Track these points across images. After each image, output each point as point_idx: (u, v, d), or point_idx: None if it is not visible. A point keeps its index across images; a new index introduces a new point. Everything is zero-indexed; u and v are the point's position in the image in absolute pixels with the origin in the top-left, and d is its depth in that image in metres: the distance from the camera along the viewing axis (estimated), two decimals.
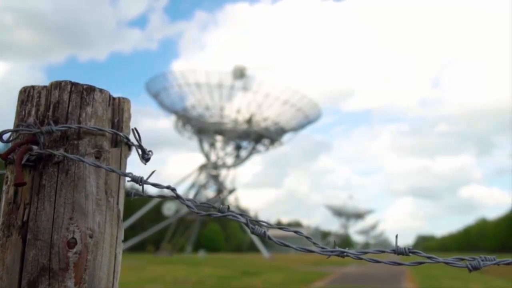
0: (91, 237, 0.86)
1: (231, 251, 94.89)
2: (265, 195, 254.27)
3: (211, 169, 48.01)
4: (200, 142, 49.70)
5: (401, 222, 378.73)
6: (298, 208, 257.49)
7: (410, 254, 0.79)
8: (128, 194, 0.96)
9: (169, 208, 46.23)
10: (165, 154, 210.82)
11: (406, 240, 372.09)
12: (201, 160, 49.64)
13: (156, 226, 53.48)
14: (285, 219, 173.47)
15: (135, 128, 0.94)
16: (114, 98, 1.00)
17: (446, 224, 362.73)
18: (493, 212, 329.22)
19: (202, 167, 48.99)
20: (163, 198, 0.95)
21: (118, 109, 0.99)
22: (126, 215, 63.97)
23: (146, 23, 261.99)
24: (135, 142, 0.94)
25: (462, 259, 0.78)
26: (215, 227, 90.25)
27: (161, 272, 19.55)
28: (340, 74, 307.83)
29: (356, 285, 16.25)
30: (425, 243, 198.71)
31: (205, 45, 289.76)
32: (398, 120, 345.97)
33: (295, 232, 0.96)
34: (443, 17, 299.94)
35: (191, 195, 48.52)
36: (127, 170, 0.99)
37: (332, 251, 0.85)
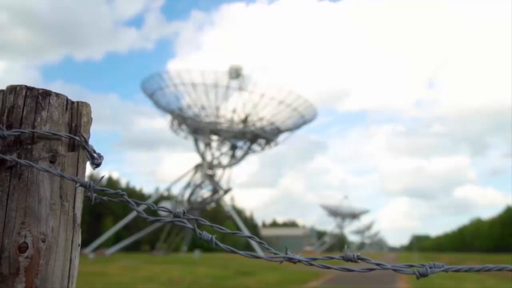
0: (43, 241, 0.85)
1: (226, 251, 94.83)
2: (260, 195, 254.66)
3: (206, 168, 47.95)
4: (196, 141, 49.64)
5: (396, 222, 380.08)
6: (294, 208, 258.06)
7: (359, 260, 0.80)
8: (89, 198, 0.96)
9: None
10: (161, 154, 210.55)
11: (401, 240, 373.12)
12: (197, 159, 49.65)
13: (151, 226, 53.38)
14: (280, 219, 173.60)
15: (81, 134, 0.94)
16: (72, 102, 1.00)
17: (441, 224, 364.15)
18: (488, 212, 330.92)
19: (198, 167, 48.93)
20: (122, 202, 0.94)
21: (76, 113, 0.99)
22: (122, 215, 63.80)
23: (142, 23, 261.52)
24: (88, 147, 0.94)
25: (412, 266, 0.79)
26: (210, 228, 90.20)
27: (156, 272, 19.52)
28: (336, 75, 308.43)
29: (351, 286, 16.28)
30: (420, 243, 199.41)
31: (201, 45, 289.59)
32: (393, 120, 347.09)
33: (233, 233, 0.95)
34: (438, 19, 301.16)
35: (186, 195, 48.54)
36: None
37: (283, 258, 0.85)
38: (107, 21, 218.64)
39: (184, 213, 0.89)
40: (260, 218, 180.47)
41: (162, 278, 16.48)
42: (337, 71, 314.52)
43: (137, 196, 79.64)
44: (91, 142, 1.01)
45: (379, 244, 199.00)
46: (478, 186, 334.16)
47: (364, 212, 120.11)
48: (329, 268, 0.82)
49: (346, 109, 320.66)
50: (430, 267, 0.76)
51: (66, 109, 0.97)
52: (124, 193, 0.89)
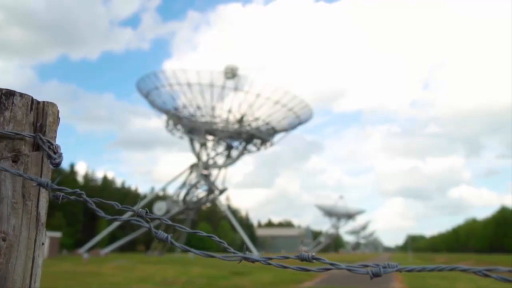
0: (4, 240, 0.86)
1: (221, 251, 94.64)
2: (256, 195, 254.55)
3: (202, 168, 47.90)
4: (191, 141, 49.59)
5: (391, 222, 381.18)
6: (289, 208, 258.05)
7: (314, 260, 0.80)
8: (56, 197, 0.96)
9: (159, 208, 46.02)
10: (156, 154, 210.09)
11: (396, 240, 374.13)
12: (193, 159, 49.59)
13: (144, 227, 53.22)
14: (276, 219, 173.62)
15: (39, 134, 0.95)
16: (38, 102, 1.00)
17: (436, 224, 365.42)
18: (482, 212, 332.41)
19: (193, 167, 48.87)
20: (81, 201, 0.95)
21: (42, 113, 1.00)
22: (117, 215, 63.63)
23: (139, 23, 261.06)
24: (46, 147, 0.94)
25: (366, 266, 0.79)
26: (206, 227, 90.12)
27: (150, 272, 19.49)
28: (331, 75, 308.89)
29: (345, 285, 16.31)
30: (415, 243, 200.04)
31: (198, 45, 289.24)
32: (388, 121, 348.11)
33: (194, 232, 0.96)
34: (433, 21, 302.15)
35: (181, 195, 48.44)
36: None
37: (240, 257, 0.85)
38: (103, 21, 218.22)
39: (146, 212, 0.89)
40: (255, 218, 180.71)
41: (156, 278, 16.46)
42: (333, 71, 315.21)
43: (133, 195, 79.40)
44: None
45: (374, 244, 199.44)
46: (472, 187, 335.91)
47: (360, 212, 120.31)
48: (286, 267, 0.82)
49: (342, 110, 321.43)
50: (384, 267, 0.77)
51: (31, 109, 0.98)
52: (83, 192, 0.90)
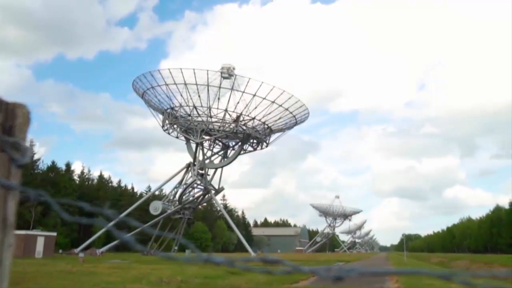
0: None
1: (218, 251, 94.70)
2: (252, 194, 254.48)
3: (198, 168, 47.83)
4: (188, 141, 49.51)
5: (387, 222, 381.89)
6: (286, 208, 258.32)
7: (278, 263, 0.81)
8: (28, 198, 0.97)
9: (155, 207, 45.92)
10: (153, 153, 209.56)
11: (392, 240, 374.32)
12: (189, 159, 49.48)
13: (142, 225, 53.07)
14: (272, 219, 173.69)
15: (1, 135, 0.95)
16: (7, 103, 1.00)
17: (431, 224, 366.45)
18: (477, 212, 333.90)
19: (189, 166, 48.79)
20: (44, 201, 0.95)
21: (11, 114, 0.99)
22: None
23: (136, 23, 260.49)
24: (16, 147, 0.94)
25: (329, 269, 0.79)
26: (202, 227, 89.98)
27: (146, 271, 19.44)
28: (328, 76, 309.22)
29: (340, 285, 16.31)
30: (410, 243, 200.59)
31: (194, 45, 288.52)
32: (384, 121, 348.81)
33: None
34: (429, 22, 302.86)
35: (178, 194, 48.33)
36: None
37: (202, 259, 0.87)
38: (100, 21, 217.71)
39: (115, 214, 0.91)
40: (252, 217, 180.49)
41: (152, 277, 16.42)
42: (329, 72, 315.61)
43: (129, 195, 79.18)
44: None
45: (370, 244, 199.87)
46: (467, 187, 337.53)
47: (356, 212, 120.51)
48: (250, 270, 0.83)
49: (338, 110, 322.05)
50: (347, 271, 0.78)
51: (0, 110, 0.97)
52: (43, 193, 0.90)
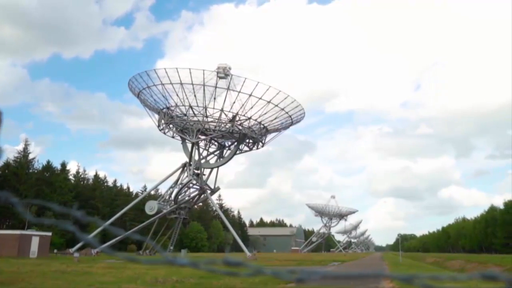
0: None
1: (213, 251, 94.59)
2: (248, 194, 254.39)
3: (194, 168, 47.77)
4: (183, 141, 49.44)
5: (382, 222, 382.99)
6: (281, 208, 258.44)
7: (241, 266, 0.82)
8: None
9: (150, 207, 45.83)
10: (149, 153, 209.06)
11: (387, 240, 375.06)
12: (185, 159, 49.42)
13: (138, 225, 53.06)
14: (268, 218, 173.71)
15: None
16: None
17: (427, 224, 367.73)
18: (472, 212, 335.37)
19: (185, 166, 48.73)
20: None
21: None
22: (108, 214, 63.21)
23: (132, 22, 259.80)
24: None
25: (293, 272, 0.80)
26: (198, 227, 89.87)
27: (141, 271, 19.39)
28: (324, 76, 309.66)
29: (335, 284, 16.36)
30: (405, 243, 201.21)
31: (191, 45, 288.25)
32: (380, 121, 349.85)
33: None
34: (425, 22, 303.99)
35: (173, 194, 48.26)
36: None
37: (165, 261, 0.88)
38: (96, 20, 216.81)
39: (82, 215, 0.91)
40: (247, 217, 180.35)
41: (147, 277, 16.40)
42: (325, 72, 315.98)
43: (124, 195, 78.97)
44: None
45: (365, 244, 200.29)
46: (462, 187, 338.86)
47: (351, 212, 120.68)
48: (215, 272, 0.84)
49: (334, 110, 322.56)
50: (309, 273, 0.79)
51: None
52: (7, 194, 0.91)
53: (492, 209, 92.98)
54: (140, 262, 0.85)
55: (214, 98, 45.19)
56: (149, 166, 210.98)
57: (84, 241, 0.84)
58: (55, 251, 46.79)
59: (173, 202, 47.74)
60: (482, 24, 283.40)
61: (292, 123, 49.81)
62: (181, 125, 47.58)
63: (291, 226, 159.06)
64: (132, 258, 0.85)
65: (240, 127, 47.67)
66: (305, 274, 0.80)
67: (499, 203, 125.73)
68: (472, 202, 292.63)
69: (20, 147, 62.54)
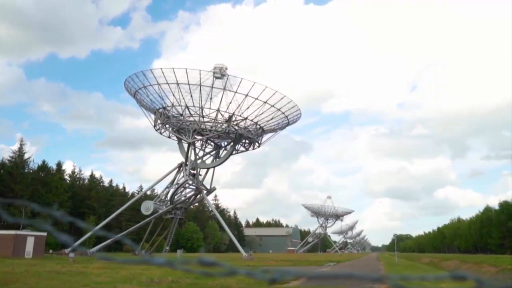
0: None
1: (209, 251, 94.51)
2: (244, 194, 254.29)
3: (190, 168, 47.73)
4: (180, 141, 49.39)
5: (378, 222, 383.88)
6: (277, 208, 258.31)
7: (214, 265, 0.84)
8: None
9: (146, 207, 45.73)
10: (145, 153, 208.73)
11: (383, 240, 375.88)
12: (181, 159, 49.36)
13: (134, 225, 52.93)
14: (264, 219, 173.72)
15: None
16: None
17: (422, 224, 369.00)
18: (467, 213, 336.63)
19: (181, 166, 48.68)
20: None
21: None
22: (104, 215, 63.02)
23: (128, 22, 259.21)
24: None
25: (267, 272, 0.82)
26: (194, 227, 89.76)
27: (136, 272, 19.36)
28: (320, 76, 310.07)
29: (332, 284, 16.39)
30: (401, 243, 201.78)
31: (187, 45, 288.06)
32: (376, 122, 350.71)
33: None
34: (421, 23, 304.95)
35: (169, 194, 48.20)
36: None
37: (140, 261, 0.89)
38: (93, 20, 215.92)
39: (61, 215, 0.93)
40: (243, 217, 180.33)
41: (142, 278, 16.38)
42: (321, 72, 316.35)
43: (120, 195, 78.81)
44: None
45: (361, 244, 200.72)
46: (458, 188, 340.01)
47: (347, 212, 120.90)
48: (190, 271, 0.86)
49: (330, 110, 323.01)
50: (282, 273, 0.79)
51: None
52: None
53: (487, 209, 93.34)
54: (116, 262, 0.87)
55: (211, 98, 45.20)
56: (145, 166, 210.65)
57: (60, 241, 0.84)
58: (51, 251, 46.59)
59: (169, 202, 47.66)
60: (479, 25, 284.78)
61: (288, 124, 49.86)
62: (177, 125, 47.53)
63: (287, 226, 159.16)
64: (107, 257, 0.85)
65: (237, 127, 47.66)
66: (278, 274, 0.81)
67: (495, 203, 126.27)
68: (468, 203, 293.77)
69: (16, 146, 62.29)
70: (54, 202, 59.81)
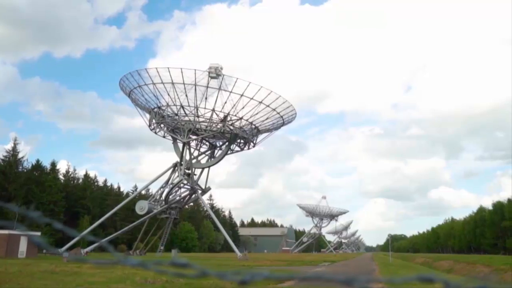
0: None
1: (204, 250, 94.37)
2: (239, 194, 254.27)
3: (185, 168, 47.67)
4: (174, 140, 49.32)
5: (373, 222, 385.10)
6: (272, 208, 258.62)
7: (186, 266, 0.85)
8: None
9: (141, 207, 45.61)
10: (140, 153, 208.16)
11: (378, 240, 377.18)
12: (176, 159, 49.28)
13: (128, 225, 52.79)
14: (259, 219, 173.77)
15: None
16: None
17: (417, 224, 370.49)
18: (461, 213, 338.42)
19: (176, 166, 48.60)
20: None
21: None
22: (98, 214, 62.78)
23: (124, 22, 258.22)
24: None
25: (237, 273, 0.83)
26: (188, 227, 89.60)
27: (131, 271, 19.30)
28: (315, 77, 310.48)
29: (325, 285, 16.44)
30: (396, 243, 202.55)
31: (183, 44, 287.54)
32: (371, 122, 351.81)
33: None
34: (416, 24, 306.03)
35: (164, 194, 48.12)
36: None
37: (114, 262, 0.91)
38: (88, 19, 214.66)
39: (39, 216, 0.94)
40: (238, 217, 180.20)
41: (136, 277, 16.34)
42: (316, 73, 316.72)
43: (115, 194, 78.50)
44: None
45: (356, 244, 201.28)
46: (452, 188, 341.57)
47: (342, 212, 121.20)
48: (163, 272, 0.87)
49: (325, 111, 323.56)
50: (252, 275, 0.80)
51: None
52: None
53: (481, 210, 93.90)
54: (89, 262, 0.87)
55: (206, 98, 45.16)
56: (140, 166, 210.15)
57: (34, 242, 0.84)
58: (44, 251, 46.37)
59: (163, 202, 47.58)
60: (474, 27, 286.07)
61: (283, 124, 49.92)
62: (172, 125, 47.46)
63: (282, 226, 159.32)
64: (81, 258, 0.86)
65: (232, 127, 47.65)
66: (249, 276, 0.81)
67: (488, 204, 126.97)
68: (462, 203, 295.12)
69: (9, 146, 61.85)
70: (48, 202, 59.58)
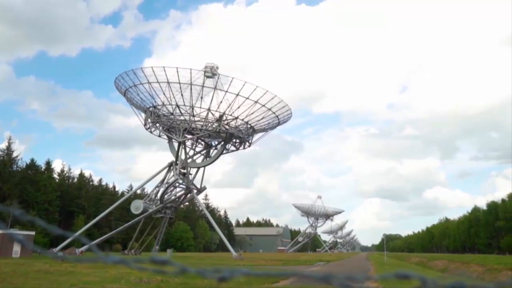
0: None
1: (199, 250, 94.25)
2: (235, 194, 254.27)
3: (180, 167, 47.57)
4: (170, 140, 49.22)
5: (368, 222, 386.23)
6: (268, 208, 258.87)
7: (166, 264, 0.87)
8: None
9: (136, 207, 45.49)
10: (135, 152, 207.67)
11: (373, 240, 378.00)
12: (171, 158, 49.18)
13: (123, 224, 52.64)
14: (254, 218, 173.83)
15: None
16: None
17: (412, 224, 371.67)
18: (456, 213, 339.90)
19: (171, 165, 48.50)
20: None
21: None
22: (93, 214, 62.57)
23: (120, 21, 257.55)
24: None
25: (217, 271, 0.85)
26: (184, 226, 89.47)
27: (126, 271, 19.27)
28: (311, 77, 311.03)
29: (320, 284, 16.47)
30: (391, 243, 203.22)
31: (179, 44, 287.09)
32: (366, 122, 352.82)
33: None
34: (411, 24, 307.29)
35: (159, 193, 47.99)
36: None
37: (97, 258, 0.92)
38: (84, 18, 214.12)
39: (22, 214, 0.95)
40: (234, 217, 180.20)
41: (131, 277, 16.31)
42: (312, 73, 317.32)
43: (110, 194, 78.28)
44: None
45: (351, 244, 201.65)
46: (447, 188, 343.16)
47: (337, 212, 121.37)
48: (144, 269, 0.89)
49: (321, 111, 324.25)
50: (231, 272, 0.82)
51: None
52: None
53: (476, 210, 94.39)
54: (70, 261, 0.88)
55: (201, 98, 45.10)
56: (135, 165, 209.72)
57: (16, 240, 0.85)
58: (39, 250, 46.18)
59: (159, 202, 47.47)
60: (470, 27, 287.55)
61: (279, 123, 49.92)
62: (168, 124, 47.36)
63: (277, 226, 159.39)
64: (63, 257, 0.87)
65: (227, 127, 47.62)
66: (228, 273, 0.82)
67: (483, 204, 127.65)
68: (456, 203, 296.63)
69: (4, 145, 61.53)
70: (43, 201, 59.33)
